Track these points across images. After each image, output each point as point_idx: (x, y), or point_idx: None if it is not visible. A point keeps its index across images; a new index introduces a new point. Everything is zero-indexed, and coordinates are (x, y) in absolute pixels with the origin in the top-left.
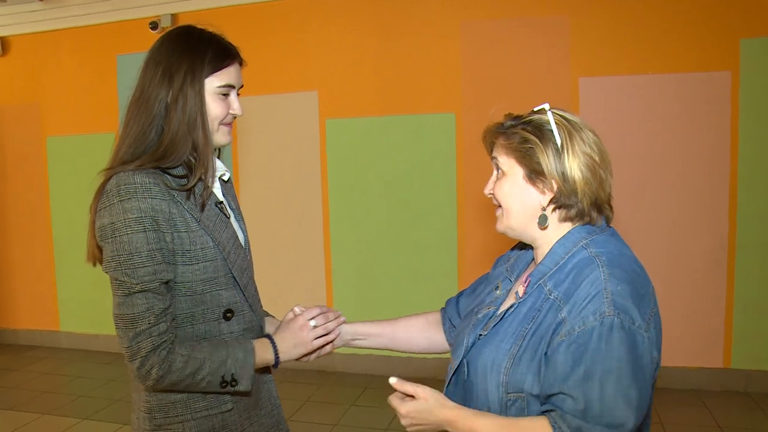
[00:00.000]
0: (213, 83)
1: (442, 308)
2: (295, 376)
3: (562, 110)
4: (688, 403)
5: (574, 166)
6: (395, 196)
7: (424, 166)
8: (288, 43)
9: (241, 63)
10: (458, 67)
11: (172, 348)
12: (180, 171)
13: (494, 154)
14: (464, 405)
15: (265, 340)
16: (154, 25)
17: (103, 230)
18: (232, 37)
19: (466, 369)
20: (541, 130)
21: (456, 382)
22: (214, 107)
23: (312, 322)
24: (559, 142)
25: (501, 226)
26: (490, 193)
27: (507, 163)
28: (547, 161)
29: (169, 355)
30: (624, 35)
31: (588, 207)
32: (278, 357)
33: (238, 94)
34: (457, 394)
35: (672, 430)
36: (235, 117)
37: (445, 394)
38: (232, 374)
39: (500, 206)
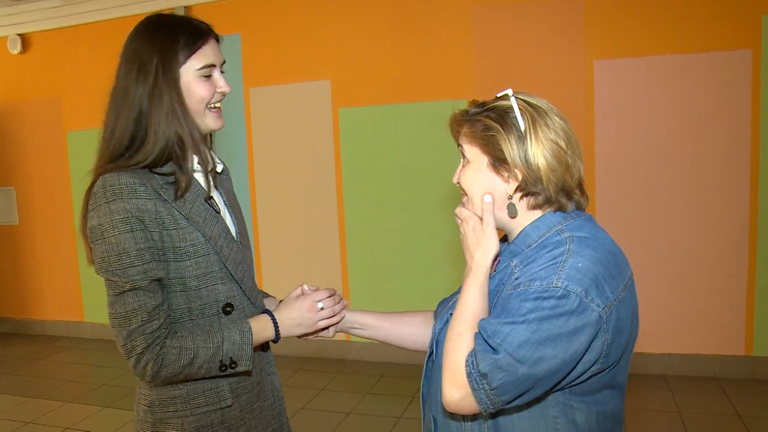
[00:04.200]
0: (192, 66)
1: (435, 310)
2: (311, 364)
3: (526, 95)
4: (707, 390)
5: (538, 152)
6: (410, 185)
7: (438, 153)
8: (300, 32)
9: (217, 39)
10: (471, 52)
11: (164, 342)
12: (168, 168)
13: (460, 142)
14: (430, 386)
15: (264, 317)
16: None
17: (92, 232)
18: (244, 28)
19: (434, 350)
20: (504, 117)
21: (428, 367)
22: (198, 90)
23: (319, 304)
24: (522, 128)
25: None
26: (457, 182)
27: (471, 151)
28: (510, 149)
29: (162, 350)
30: (639, 15)
31: (555, 194)
32: (279, 333)
33: (222, 72)
34: (427, 377)
35: (690, 419)
36: (223, 95)
37: (423, 383)
38: (230, 357)
39: (466, 194)
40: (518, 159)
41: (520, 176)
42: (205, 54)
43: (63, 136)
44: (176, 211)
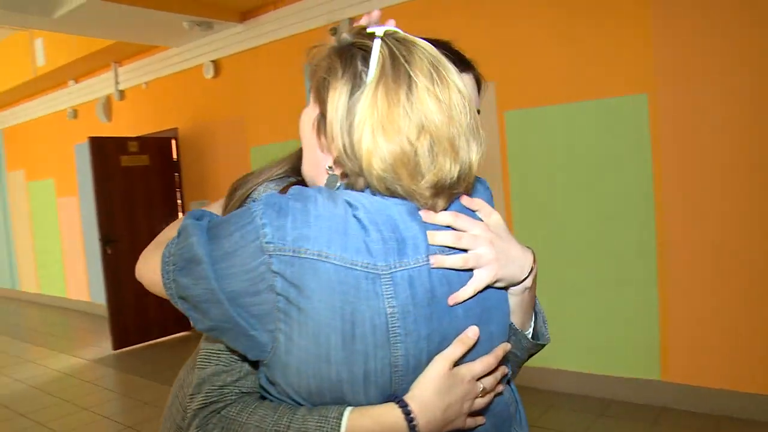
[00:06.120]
0: None
1: None
2: None
3: (415, 40)
4: None
5: (366, 129)
6: (582, 194)
7: (613, 157)
8: (461, 33)
9: (478, 80)
10: (650, 41)
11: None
12: None
13: None
14: None
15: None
16: (334, 32)
17: None
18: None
19: None
20: (353, 59)
21: None
22: None
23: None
24: (367, 80)
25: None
26: None
27: (312, 94)
28: (334, 106)
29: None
30: None
31: (385, 192)
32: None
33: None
34: None
35: None
36: None
37: None
38: None
39: None
40: (339, 125)
41: (335, 152)
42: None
43: (247, 152)
44: None
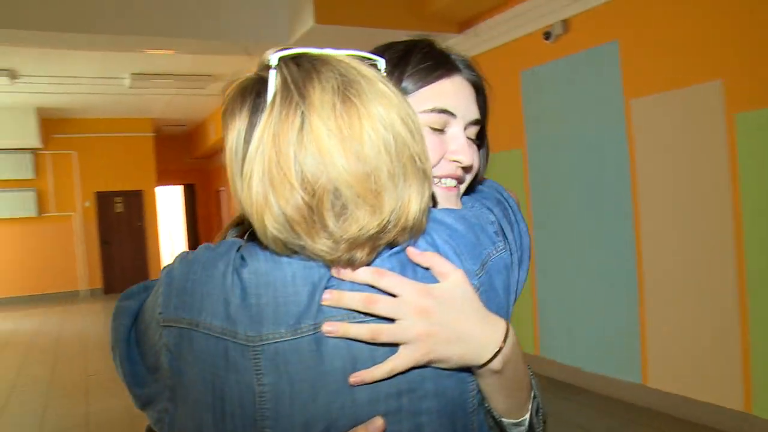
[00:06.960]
0: (417, 107)
1: None
2: None
3: (328, 59)
4: None
5: (254, 181)
6: None
7: None
8: (674, 28)
9: (476, 83)
10: None
11: None
12: None
13: None
14: None
15: None
16: (547, 35)
17: None
18: (622, 33)
19: None
20: (249, 95)
21: None
22: None
23: None
24: (261, 119)
25: None
26: None
27: None
28: (229, 154)
29: None
30: None
31: (286, 253)
32: None
33: (481, 133)
34: None
35: None
36: (461, 170)
37: None
38: None
39: None
40: (234, 176)
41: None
42: (439, 93)
43: None
44: None
